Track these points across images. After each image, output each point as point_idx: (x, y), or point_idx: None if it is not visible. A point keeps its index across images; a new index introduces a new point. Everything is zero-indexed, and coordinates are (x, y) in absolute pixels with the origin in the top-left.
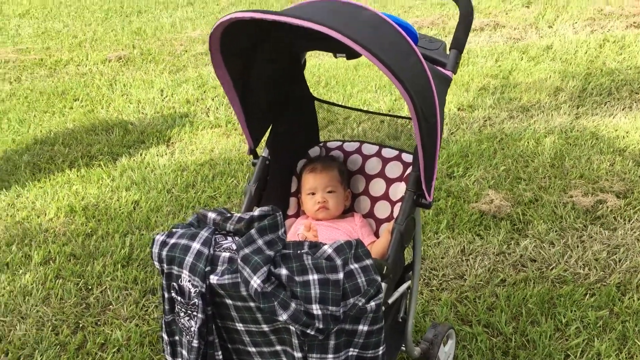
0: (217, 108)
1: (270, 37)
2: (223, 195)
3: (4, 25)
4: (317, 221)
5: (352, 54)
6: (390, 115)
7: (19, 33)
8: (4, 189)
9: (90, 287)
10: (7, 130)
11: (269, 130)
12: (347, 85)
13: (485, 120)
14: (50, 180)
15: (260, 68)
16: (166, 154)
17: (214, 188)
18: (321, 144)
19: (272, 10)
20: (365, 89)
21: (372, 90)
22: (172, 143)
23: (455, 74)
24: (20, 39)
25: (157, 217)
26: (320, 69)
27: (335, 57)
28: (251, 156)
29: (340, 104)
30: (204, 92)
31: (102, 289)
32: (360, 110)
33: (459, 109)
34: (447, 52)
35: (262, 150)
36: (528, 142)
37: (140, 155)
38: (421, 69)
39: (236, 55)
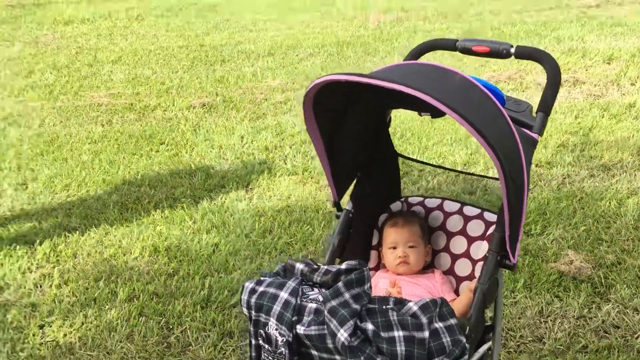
0: (294, 156)
1: (361, 98)
2: (299, 242)
3: (98, 71)
4: (398, 275)
5: (437, 113)
6: (477, 175)
7: (112, 78)
8: (93, 227)
9: (171, 327)
10: (98, 170)
11: (353, 183)
12: (423, 138)
13: (564, 178)
14: (136, 220)
15: (348, 126)
16: (245, 199)
17: (290, 235)
18: (403, 199)
19: (365, 74)
20: (440, 141)
21: (448, 143)
22: (251, 189)
23: (541, 137)
24: (112, 84)
25: (235, 260)
26: (396, 121)
27: (420, 115)
28: (335, 208)
29: (425, 161)
30: (282, 139)
31: (182, 329)
32: (447, 168)
33: (537, 166)
34: (533, 114)
35: (346, 203)
36: (610, 203)
37: (221, 199)
38: (509, 131)
39: (327, 113)
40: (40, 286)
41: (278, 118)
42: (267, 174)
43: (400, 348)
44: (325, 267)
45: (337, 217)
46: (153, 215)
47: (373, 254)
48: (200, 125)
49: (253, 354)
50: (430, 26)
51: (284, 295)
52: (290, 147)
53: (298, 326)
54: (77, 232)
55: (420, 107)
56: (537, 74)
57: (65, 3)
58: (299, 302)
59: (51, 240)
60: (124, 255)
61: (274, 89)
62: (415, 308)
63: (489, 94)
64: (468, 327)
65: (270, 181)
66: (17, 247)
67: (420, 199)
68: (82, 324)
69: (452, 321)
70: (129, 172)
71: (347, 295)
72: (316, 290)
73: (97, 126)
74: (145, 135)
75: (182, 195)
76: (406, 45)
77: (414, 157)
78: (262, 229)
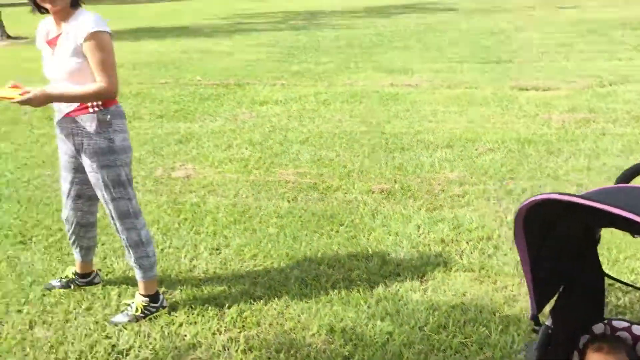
0: (471, 252)
1: (574, 216)
2: (474, 344)
3: (288, 149)
4: None
5: None
6: None
7: (299, 158)
8: (276, 298)
9: None
10: (283, 244)
11: (553, 298)
12: (613, 250)
13: None
14: (315, 297)
15: (555, 241)
16: (419, 290)
17: (465, 334)
18: (606, 322)
19: (586, 195)
20: (634, 255)
21: None
22: (426, 280)
23: None
24: (299, 163)
25: (409, 353)
26: None
27: (633, 237)
28: (533, 322)
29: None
30: (459, 233)
31: None
32: None
33: None
34: None
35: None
36: None
37: (395, 287)
38: None
39: (536, 227)
40: (228, 349)
41: (455, 211)
42: (443, 267)
43: None
44: None
45: (534, 330)
46: (330, 294)
47: None
48: (378, 211)
49: None
50: (620, 129)
51: None
52: (467, 242)
53: None
54: (262, 301)
55: (636, 230)
56: None
57: (261, 85)
58: None
59: (238, 305)
60: (303, 330)
61: (451, 181)
62: None
63: None
64: None
65: (446, 275)
66: (209, 308)
67: (626, 324)
68: None
69: None
70: (310, 249)
71: None
72: None
73: (284, 202)
74: (326, 215)
75: (358, 278)
76: (593, 148)
77: (617, 277)
78: (436, 324)
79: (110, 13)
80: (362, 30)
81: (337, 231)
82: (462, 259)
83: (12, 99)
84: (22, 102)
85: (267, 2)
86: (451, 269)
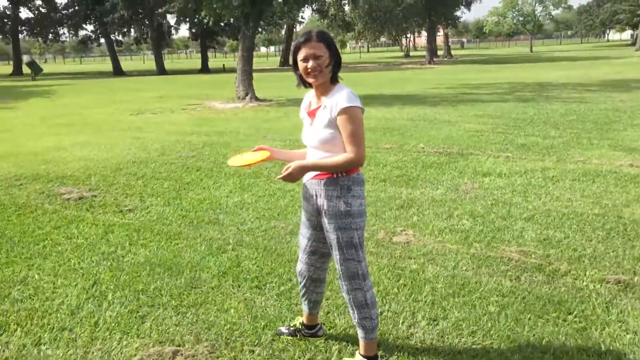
0: None
1: None
2: None
3: (511, 225)
4: None
5: None
6: None
7: (523, 235)
8: None
9: None
10: (504, 325)
11: None
12: None
13: None
14: None
15: None
16: None
17: None
18: None
19: None
20: None
21: None
22: None
23: None
24: (523, 240)
25: None
26: None
27: None
28: None
29: None
30: None
31: None
32: None
33: None
34: None
35: None
36: None
37: None
38: None
39: None
40: None
41: None
42: None
43: None
44: None
45: None
46: None
47: None
48: (614, 304)
49: None
50: None
51: None
52: None
53: None
54: None
55: None
56: None
57: (485, 156)
58: None
59: None
60: None
61: None
62: None
63: None
64: None
65: None
66: None
67: None
68: None
69: None
70: (534, 335)
71: None
72: None
73: (506, 280)
74: (552, 301)
75: None
76: None
77: None
78: None
79: (344, 80)
80: (596, 104)
81: (564, 320)
82: None
83: (258, 161)
84: (284, 178)
85: (493, 73)
86: None
